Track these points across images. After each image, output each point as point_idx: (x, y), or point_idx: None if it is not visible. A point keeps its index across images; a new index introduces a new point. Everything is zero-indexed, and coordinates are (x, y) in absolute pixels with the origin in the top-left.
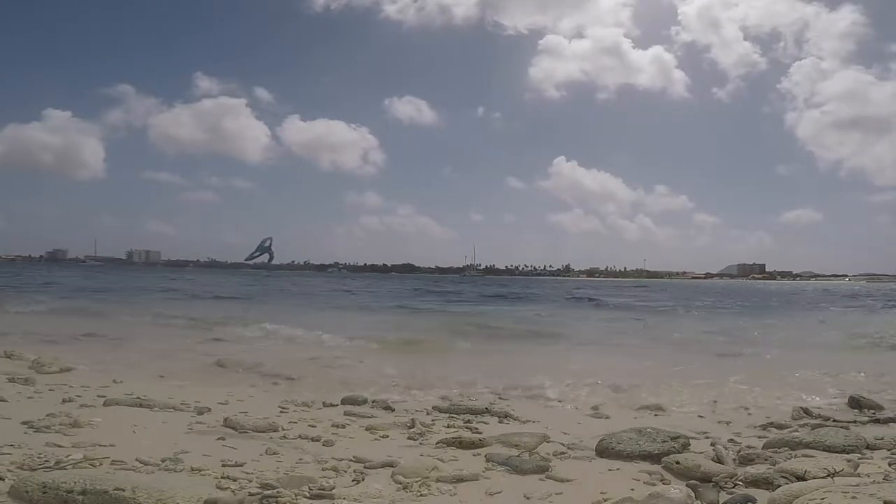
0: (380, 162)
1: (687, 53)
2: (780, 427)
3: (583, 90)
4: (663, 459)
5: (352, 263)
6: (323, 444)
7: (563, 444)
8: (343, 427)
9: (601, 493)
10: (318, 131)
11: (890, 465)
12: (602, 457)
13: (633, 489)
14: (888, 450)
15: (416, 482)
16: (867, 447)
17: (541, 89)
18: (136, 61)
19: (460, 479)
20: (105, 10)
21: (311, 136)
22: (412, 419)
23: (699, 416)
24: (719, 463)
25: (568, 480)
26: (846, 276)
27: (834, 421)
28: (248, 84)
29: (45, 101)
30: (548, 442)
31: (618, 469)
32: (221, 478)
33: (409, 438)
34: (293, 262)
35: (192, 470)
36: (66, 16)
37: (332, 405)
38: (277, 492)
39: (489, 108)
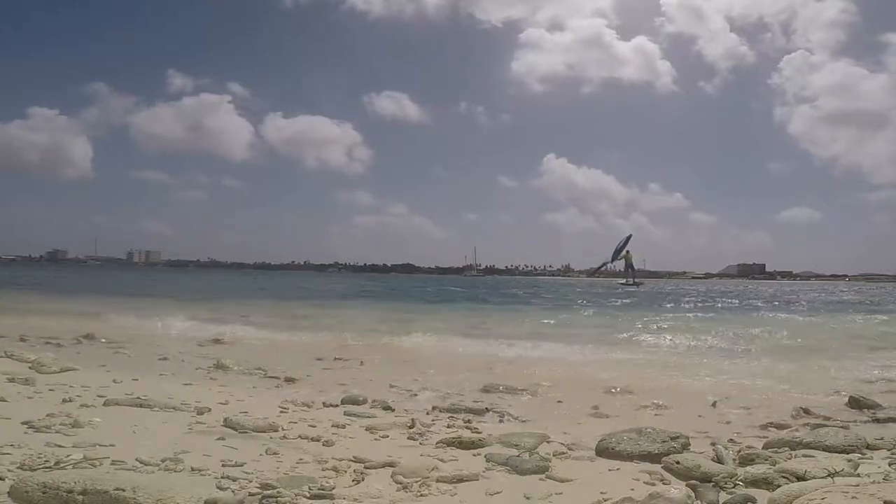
0: (366, 159)
1: (672, 45)
2: (780, 427)
3: (567, 84)
4: (663, 459)
5: (352, 263)
6: (323, 444)
7: (563, 444)
8: (343, 427)
9: (601, 493)
10: (301, 127)
11: (890, 465)
12: (602, 457)
13: (633, 489)
14: (888, 450)
15: (416, 482)
16: (867, 447)
17: (524, 83)
18: (106, 59)
19: (460, 479)
20: (72, 6)
21: (293, 133)
22: (412, 419)
23: (699, 416)
24: (719, 463)
25: (568, 480)
26: (846, 275)
27: (834, 421)
28: (222, 80)
29: (27, 99)
30: (548, 442)
31: (618, 469)
32: (221, 478)
33: (409, 438)
34: (293, 262)
35: (192, 470)
36: (36, 13)
37: (332, 405)
38: (277, 492)
39: (471, 104)
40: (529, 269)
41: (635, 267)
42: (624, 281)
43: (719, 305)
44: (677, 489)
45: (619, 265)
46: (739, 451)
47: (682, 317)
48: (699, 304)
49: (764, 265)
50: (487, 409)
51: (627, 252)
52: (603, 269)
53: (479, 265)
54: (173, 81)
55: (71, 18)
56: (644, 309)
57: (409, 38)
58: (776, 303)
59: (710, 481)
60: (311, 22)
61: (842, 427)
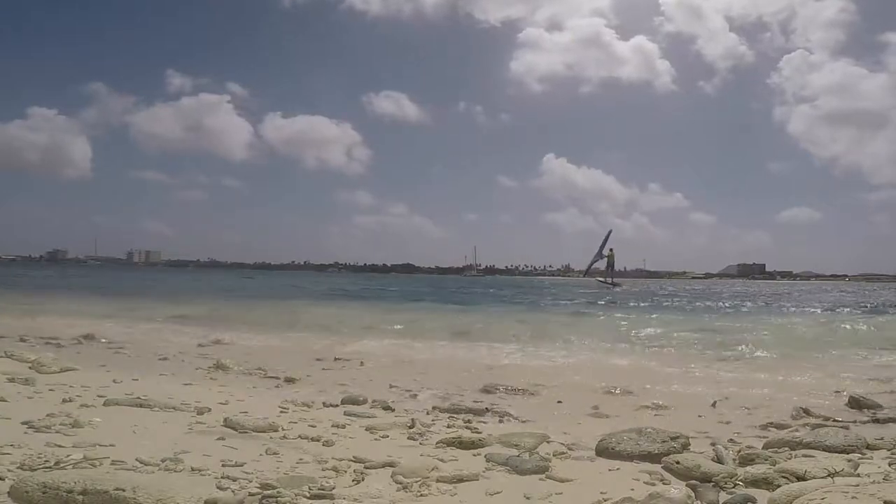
0: (366, 158)
1: (672, 45)
2: (780, 427)
3: (566, 83)
4: (663, 459)
5: (352, 263)
6: (323, 444)
7: (563, 444)
8: (343, 427)
9: (601, 493)
10: (300, 127)
11: (890, 465)
12: (602, 457)
13: (633, 489)
14: (888, 450)
15: (416, 482)
16: (867, 447)
17: (523, 83)
18: (105, 59)
19: (460, 479)
20: (72, 6)
21: (293, 133)
22: (412, 419)
23: (699, 416)
24: (719, 463)
25: (568, 480)
26: (846, 276)
27: (834, 421)
28: (221, 80)
29: (27, 99)
30: (548, 442)
31: (618, 469)
32: (221, 478)
33: (409, 438)
34: (293, 262)
35: (192, 470)
36: (35, 13)
37: (332, 405)
38: (277, 492)
39: (470, 103)
40: (529, 269)
41: (615, 267)
42: (603, 279)
43: (719, 305)
44: (677, 489)
45: (602, 263)
46: (739, 451)
47: (677, 319)
48: (693, 305)
49: (764, 265)
50: (487, 410)
51: (611, 251)
52: (602, 268)
53: (479, 265)
54: (172, 81)
55: (70, 18)
56: (638, 310)
57: (407, 37)
58: (775, 303)
59: (710, 481)
60: (310, 21)
61: (842, 427)
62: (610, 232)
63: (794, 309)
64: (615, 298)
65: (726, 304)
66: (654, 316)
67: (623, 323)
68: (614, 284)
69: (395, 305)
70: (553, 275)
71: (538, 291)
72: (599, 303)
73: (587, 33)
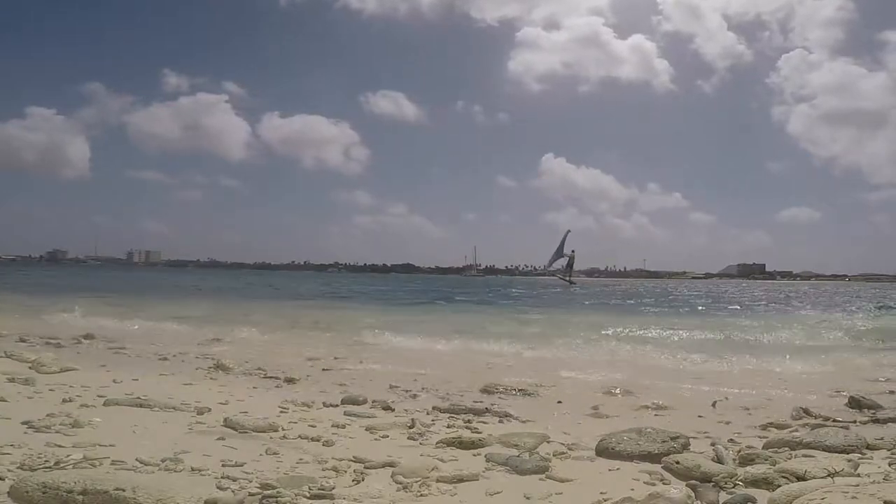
0: (364, 158)
1: (670, 44)
2: (780, 427)
3: (564, 83)
4: (663, 459)
5: (352, 263)
6: (323, 444)
7: (563, 444)
8: (343, 427)
9: (601, 493)
10: (298, 126)
11: (890, 465)
12: (602, 457)
13: (633, 489)
14: (888, 450)
15: (416, 482)
16: (867, 447)
17: (521, 83)
18: (102, 58)
19: (460, 479)
20: (70, 6)
21: (291, 132)
22: (412, 419)
23: (699, 416)
24: (719, 463)
25: (568, 480)
26: (846, 276)
27: (834, 421)
28: (219, 80)
29: (25, 99)
30: (548, 442)
31: (618, 469)
32: (221, 478)
33: (409, 438)
34: (293, 262)
35: (192, 470)
36: (34, 13)
37: (332, 405)
38: (277, 492)
39: (469, 103)
40: (530, 268)
41: (574, 267)
42: (562, 277)
43: (725, 307)
44: (677, 489)
45: (563, 261)
46: (739, 451)
47: (670, 320)
48: (679, 306)
49: (764, 265)
50: (487, 410)
51: (572, 252)
52: (563, 266)
53: (479, 265)
54: (169, 81)
55: (68, 18)
56: (633, 311)
57: (404, 36)
58: (773, 303)
59: (710, 481)
60: (307, 21)
61: (842, 427)
62: (568, 232)
63: (792, 308)
64: (583, 298)
65: (727, 306)
66: (635, 318)
67: (613, 323)
68: (571, 283)
69: (393, 306)
70: (553, 274)
71: (513, 289)
72: (571, 302)
73: (585, 32)
